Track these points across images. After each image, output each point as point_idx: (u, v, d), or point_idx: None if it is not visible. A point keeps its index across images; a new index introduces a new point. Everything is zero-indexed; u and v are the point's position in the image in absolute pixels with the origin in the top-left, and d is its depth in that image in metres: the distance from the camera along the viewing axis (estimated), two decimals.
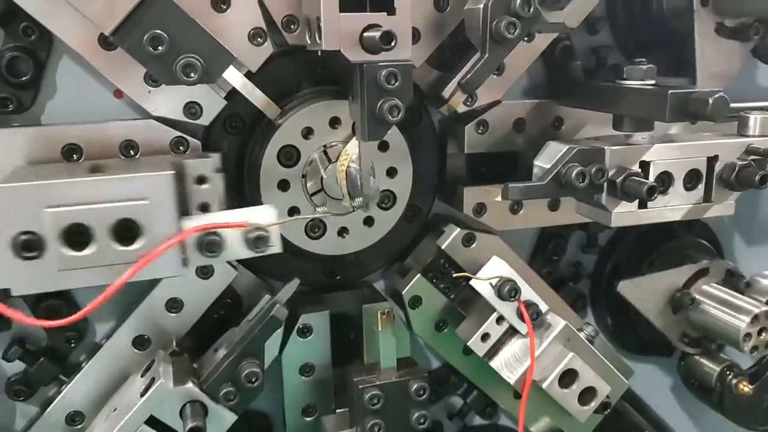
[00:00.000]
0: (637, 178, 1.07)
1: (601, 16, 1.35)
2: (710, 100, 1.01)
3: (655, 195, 1.07)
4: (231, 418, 1.09)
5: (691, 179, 1.16)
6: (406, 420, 1.16)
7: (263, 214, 0.99)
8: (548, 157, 1.09)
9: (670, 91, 1.04)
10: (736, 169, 1.14)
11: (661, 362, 1.61)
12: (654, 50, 1.36)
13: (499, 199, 1.08)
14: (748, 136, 1.19)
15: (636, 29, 1.36)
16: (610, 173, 1.08)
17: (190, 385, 1.05)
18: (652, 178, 1.11)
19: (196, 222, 0.96)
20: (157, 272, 0.92)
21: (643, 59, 1.15)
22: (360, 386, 1.14)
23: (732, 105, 1.26)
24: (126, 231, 0.91)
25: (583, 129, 1.31)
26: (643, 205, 1.12)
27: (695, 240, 1.54)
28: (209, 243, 0.95)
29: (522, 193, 1.06)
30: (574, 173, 1.04)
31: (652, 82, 1.13)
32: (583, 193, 1.08)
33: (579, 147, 1.07)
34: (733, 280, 1.47)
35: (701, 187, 1.16)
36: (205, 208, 1.04)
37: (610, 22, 1.37)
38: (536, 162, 1.12)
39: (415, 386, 1.16)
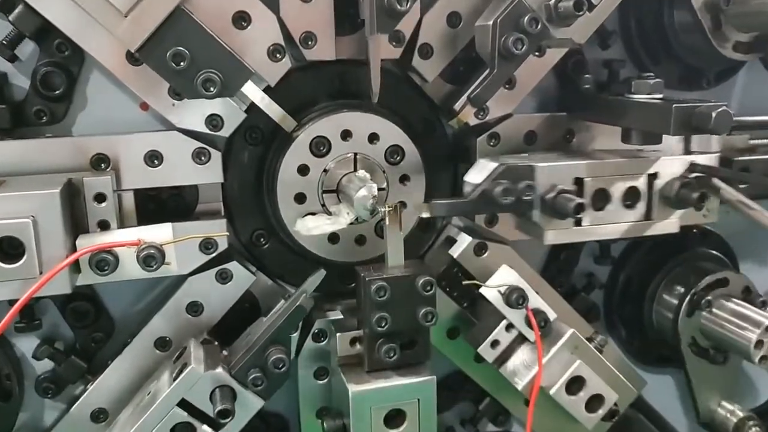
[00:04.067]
0: (567, 195, 1.07)
1: (613, 30, 1.36)
2: (713, 114, 1.03)
3: (582, 212, 1.07)
4: (258, 402, 1.11)
5: (631, 197, 1.15)
6: (413, 316, 1.13)
7: (158, 233, 1.00)
8: (478, 174, 1.11)
9: (674, 106, 1.06)
10: (676, 187, 1.14)
11: (675, 373, 1.61)
12: (666, 64, 1.39)
13: None
14: (692, 153, 1.19)
15: (647, 43, 1.37)
16: (543, 191, 1.09)
17: (220, 370, 1.09)
18: (587, 196, 1.11)
19: (91, 240, 0.97)
20: (46, 291, 0.94)
21: (651, 74, 1.18)
22: (367, 278, 1.11)
23: (742, 118, 1.29)
24: (12, 249, 0.94)
25: (593, 142, 1.33)
26: (578, 222, 1.12)
27: (709, 252, 1.54)
28: (99, 261, 0.97)
29: (447, 209, 1.08)
30: (501, 190, 1.06)
31: (660, 96, 1.15)
32: (510, 209, 1.09)
33: (507, 164, 1.08)
34: (749, 294, 1.46)
35: (641, 204, 1.16)
36: (104, 226, 1.06)
37: (622, 36, 1.39)
38: (465, 178, 1.13)
39: (422, 281, 1.12)
